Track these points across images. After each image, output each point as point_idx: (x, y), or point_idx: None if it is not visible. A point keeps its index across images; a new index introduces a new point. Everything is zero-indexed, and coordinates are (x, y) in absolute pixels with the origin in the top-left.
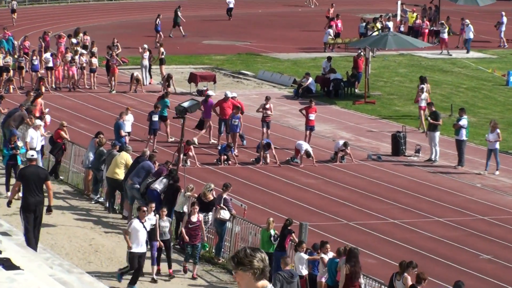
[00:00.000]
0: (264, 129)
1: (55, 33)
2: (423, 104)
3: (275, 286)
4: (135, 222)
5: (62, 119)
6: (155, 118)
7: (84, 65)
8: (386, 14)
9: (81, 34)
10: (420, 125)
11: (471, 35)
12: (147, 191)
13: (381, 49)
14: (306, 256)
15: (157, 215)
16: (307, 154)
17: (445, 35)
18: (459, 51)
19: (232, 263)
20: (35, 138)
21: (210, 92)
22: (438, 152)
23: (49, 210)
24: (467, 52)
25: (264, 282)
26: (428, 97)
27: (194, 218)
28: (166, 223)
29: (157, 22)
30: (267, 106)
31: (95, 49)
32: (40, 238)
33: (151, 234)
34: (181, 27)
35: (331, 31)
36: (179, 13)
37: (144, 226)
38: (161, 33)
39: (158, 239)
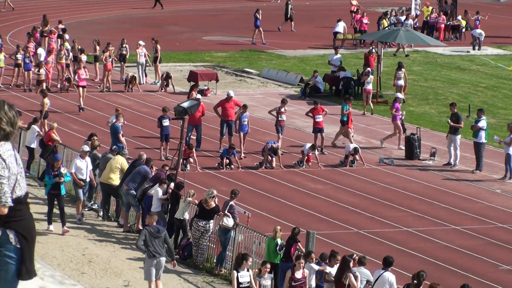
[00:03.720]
0: (280, 134)
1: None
2: (369, 87)
3: (138, 240)
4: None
5: (53, 121)
6: (166, 122)
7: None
8: (399, 8)
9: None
10: (364, 109)
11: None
12: (144, 197)
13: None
14: (316, 267)
15: (250, 271)
16: (313, 148)
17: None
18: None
19: None
20: (84, 168)
21: (399, 95)
22: (458, 156)
23: None
24: (474, 49)
25: (2, 143)
26: (371, 80)
27: (298, 274)
28: (267, 281)
29: (257, 16)
30: (282, 110)
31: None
32: None
33: None
34: (292, 22)
35: (340, 24)
36: (290, 5)
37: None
38: (261, 29)
39: None
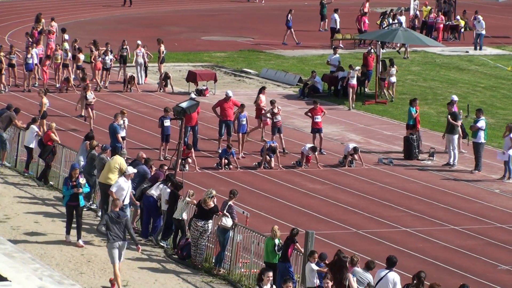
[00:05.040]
0: (276, 135)
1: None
2: (353, 82)
3: (99, 224)
4: None
5: (52, 121)
6: (167, 123)
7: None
8: (398, 8)
9: (43, 20)
10: (351, 104)
11: (480, 31)
12: (143, 197)
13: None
14: (316, 267)
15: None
16: (313, 149)
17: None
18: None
19: None
20: (126, 189)
21: (454, 97)
22: (457, 155)
23: None
24: (476, 49)
25: None
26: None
27: None
28: None
29: (288, 18)
30: (275, 110)
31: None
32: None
33: None
34: (326, 21)
35: (336, 15)
36: (325, 5)
37: None
38: (292, 30)
39: None
